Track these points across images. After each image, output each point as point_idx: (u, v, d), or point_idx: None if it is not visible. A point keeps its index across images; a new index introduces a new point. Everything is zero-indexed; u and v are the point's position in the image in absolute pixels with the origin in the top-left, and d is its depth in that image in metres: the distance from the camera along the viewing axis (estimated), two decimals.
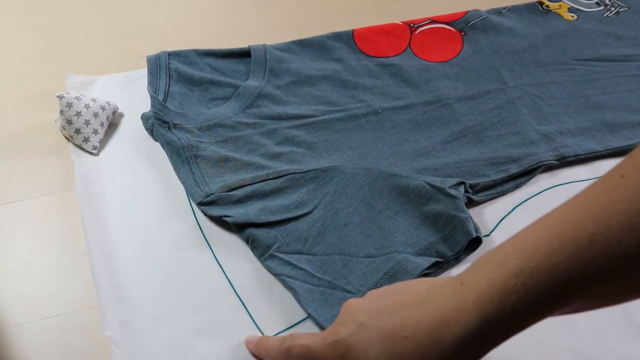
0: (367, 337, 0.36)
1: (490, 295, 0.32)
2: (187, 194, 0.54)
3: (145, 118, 0.60)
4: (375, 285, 0.47)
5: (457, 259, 0.49)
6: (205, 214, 0.52)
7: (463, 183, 0.54)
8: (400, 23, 0.71)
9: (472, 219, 0.50)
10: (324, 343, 0.38)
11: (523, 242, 0.32)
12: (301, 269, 0.48)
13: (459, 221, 0.49)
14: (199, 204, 0.52)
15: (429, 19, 0.72)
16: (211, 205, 0.52)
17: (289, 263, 0.48)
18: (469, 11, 0.73)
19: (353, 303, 0.39)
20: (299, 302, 0.46)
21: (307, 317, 0.46)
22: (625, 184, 0.30)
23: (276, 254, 0.49)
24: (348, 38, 0.69)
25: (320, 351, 0.38)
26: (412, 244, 0.49)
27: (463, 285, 0.34)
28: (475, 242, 0.49)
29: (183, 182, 0.54)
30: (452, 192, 0.52)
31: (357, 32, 0.70)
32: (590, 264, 0.30)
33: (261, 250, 0.49)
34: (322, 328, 0.45)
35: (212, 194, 0.52)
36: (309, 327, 0.45)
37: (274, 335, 0.45)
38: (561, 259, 0.30)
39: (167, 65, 0.63)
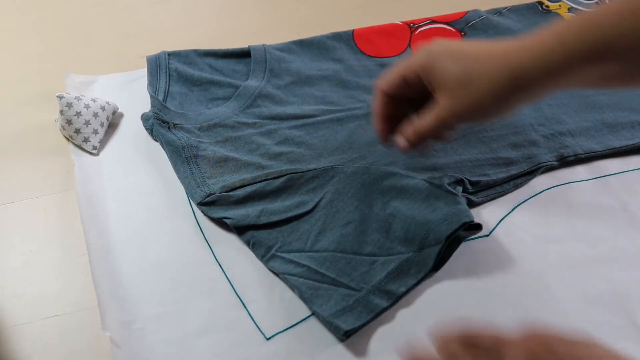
0: (445, 58, 0.46)
1: (545, 42, 0.43)
2: (187, 193, 0.54)
3: (145, 118, 0.60)
4: (379, 284, 0.47)
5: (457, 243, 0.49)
6: (205, 215, 0.52)
7: (462, 180, 0.54)
8: (400, 23, 0.72)
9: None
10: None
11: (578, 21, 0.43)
12: (304, 265, 0.48)
13: (458, 211, 0.49)
14: (199, 204, 0.52)
15: (429, 19, 0.72)
16: (211, 206, 0.52)
17: (291, 261, 0.48)
18: (469, 11, 0.73)
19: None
20: (303, 299, 0.46)
21: (308, 317, 0.46)
22: None
23: (278, 253, 0.49)
24: (348, 38, 0.69)
25: (414, 64, 0.48)
26: (410, 240, 0.49)
27: (531, 38, 0.44)
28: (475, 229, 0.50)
29: (183, 182, 0.54)
30: (451, 189, 0.52)
31: (357, 32, 0.70)
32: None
33: (263, 251, 0.49)
34: (327, 324, 0.45)
35: (213, 194, 0.52)
36: (310, 327, 0.45)
37: (274, 335, 0.45)
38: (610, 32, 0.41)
39: (167, 66, 0.63)
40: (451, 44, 0.48)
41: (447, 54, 0.46)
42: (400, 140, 0.50)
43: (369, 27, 0.71)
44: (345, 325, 0.44)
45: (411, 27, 0.71)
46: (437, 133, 0.50)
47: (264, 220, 0.50)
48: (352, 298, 0.46)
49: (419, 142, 0.50)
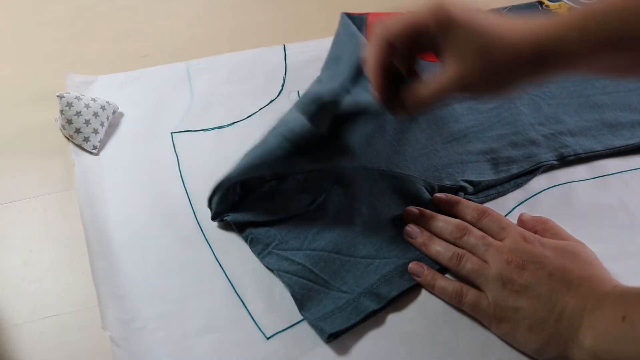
0: (466, 20, 0.42)
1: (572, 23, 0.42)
2: (186, 190, 0.53)
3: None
4: (371, 287, 0.47)
5: None
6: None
7: (464, 188, 0.54)
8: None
9: None
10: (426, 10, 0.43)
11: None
12: (299, 263, 0.48)
13: None
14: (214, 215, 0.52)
15: None
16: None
17: (287, 259, 0.48)
18: None
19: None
20: (294, 299, 0.46)
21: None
22: None
23: (274, 251, 0.49)
24: (361, 24, 0.69)
25: (425, 19, 0.43)
26: (411, 248, 0.50)
27: (551, 19, 0.43)
28: None
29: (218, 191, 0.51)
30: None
31: (370, 18, 0.69)
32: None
33: (260, 248, 0.49)
34: (314, 327, 0.45)
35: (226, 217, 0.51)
36: (310, 327, 0.45)
37: (274, 334, 0.45)
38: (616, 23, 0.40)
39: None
40: (470, 6, 0.43)
41: (468, 17, 0.42)
42: (397, 106, 0.47)
43: (364, 13, 0.69)
44: (331, 328, 0.44)
45: None
46: (438, 103, 0.46)
47: (263, 217, 0.50)
48: (343, 300, 0.46)
49: (418, 111, 0.47)
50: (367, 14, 0.68)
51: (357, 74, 0.50)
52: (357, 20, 0.67)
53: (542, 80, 0.46)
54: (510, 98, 0.63)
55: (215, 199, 0.51)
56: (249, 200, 0.52)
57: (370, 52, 0.46)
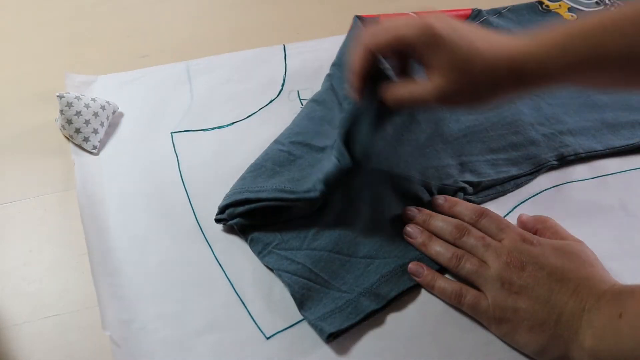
0: (448, 38, 0.44)
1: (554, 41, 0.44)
2: (186, 190, 0.53)
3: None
4: (371, 287, 0.47)
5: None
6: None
7: (463, 189, 0.54)
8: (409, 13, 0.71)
9: None
10: (416, 32, 0.45)
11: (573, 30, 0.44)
12: (299, 263, 0.48)
13: None
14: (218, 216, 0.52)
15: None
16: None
17: (287, 258, 0.48)
18: (473, 9, 0.73)
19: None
20: (294, 298, 0.46)
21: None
22: None
23: (275, 250, 0.49)
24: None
25: (411, 36, 0.45)
26: (411, 248, 0.50)
27: (532, 37, 0.45)
28: None
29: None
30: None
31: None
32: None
33: (260, 247, 0.49)
34: (313, 327, 0.45)
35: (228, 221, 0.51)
36: (310, 327, 0.45)
37: (274, 334, 0.45)
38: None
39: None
40: (455, 24, 0.46)
41: (452, 35, 0.45)
42: (377, 101, 0.49)
43: (376, 15, 0.70)
44: (331, 327, 0.44)
45: None
46: (416, 107, 0.49)
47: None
48: (343, 300, 0.46)
49: (397, 108, 0.50)
50: (379, 16, 0.68)
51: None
52: (370, 23, 0.67)
53: (523, 93, 0.49)
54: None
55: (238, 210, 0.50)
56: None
57: (353, 59, 0.48)
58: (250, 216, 0.50)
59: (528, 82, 0.45)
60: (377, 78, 0.49)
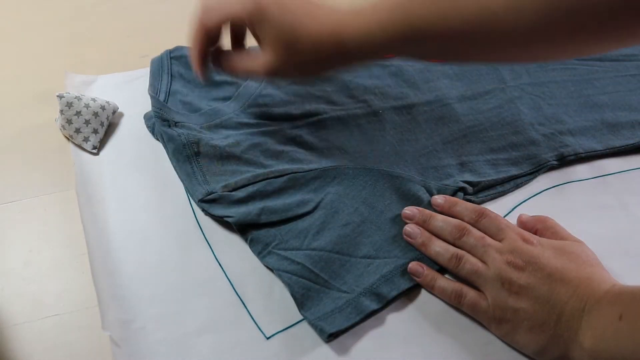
0: (274, 14, 0.47)
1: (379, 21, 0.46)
2: (186, 191, 0.54)
3: (147, 117, 0.60)
4: (371, 287, 0.47)
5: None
6: (207, 213, 0.52)
7: (463, 189, 0.54)
8: None
9: None
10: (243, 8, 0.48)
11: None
12: (299, 263, 0.48)
13: None
14: (200, 201, 0.52)
15: None
16: (212, 204, 0.52)
17: (287, 258, 0.48)
18: None
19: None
20: (294, 298, 0.46)
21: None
22: None
23: (274, 250, 0.49)
24: None
25: (241, 12, 0.48)
26: (411, 248, 0.50)
27: (359, 10, 0.47)
28: None
29: (183, 180, 0.54)
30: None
31: None
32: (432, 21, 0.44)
33: (260, 248, 0.49)
34: (313, 327, 0.45)
35: (214, 192, 0.52)
36: (310, 327, 0.45)
37: (274, 334, 0.45)
38: (416, 16, 0.44)
39: (169, 66, 0.63)
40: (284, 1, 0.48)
41: (279, 12, 0.47)
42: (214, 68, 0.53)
43: None
44: (331, 327, 0.44)
45: None
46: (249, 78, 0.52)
47: (264, 219, 0.50)
48: (343, 300, 0.46)
49: (234, 76, 0.53)
50: None
51: None
52: None
53: (353, 67, 0.52)
54: (510, 99, 0.63)
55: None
56: (249, 198, 0.52)
57: (191, 40, 0.51)
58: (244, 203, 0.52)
59: (353, 57, 0.49)
60: (216, 54, 0.53)
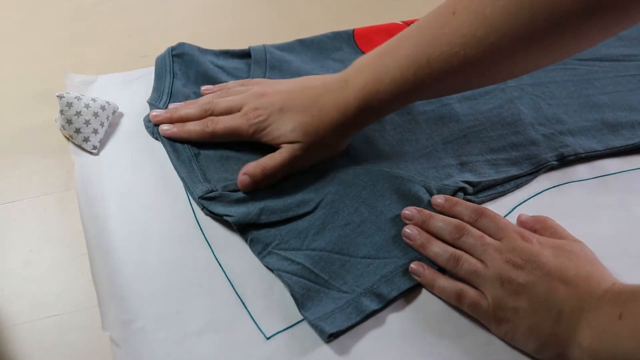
0: (283, 117, 0.53)
1: (364, 94, 0.51)
2: (186, 190, 0.54)
3: (147, 120, 0.59)
4: (371, 287, 0.47)
5: None
6: (207, 210, 0.52)
7: (463, 189, 0.54)
8: (400, 23, 0.72)
9: None
10: (247, 123, 0.54)
11: (382, 60, 0.51)
12: (299, 263, 0.48)
13: None
14: (200, 198, 0.52)
15: None
16: (212, 201, 0.52)
17: (287, 258, 0.48)
18: None
19: (268, 94, 0.55)
20: (294, 298, 0.46)
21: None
22: (455, 19, 0.47)
23: (274, 250, 0.49)
24: (348, 38, 0.69)
25: (243, 129, 0.54)
26: (411, 248, 0.50)
27: (347, 83, 0.52)
28: None
29: (183, 179, 0.54)
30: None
31: (357, 32, 0.70)
32: (427, 75, 0.49)
33: (260, 248, 0.49)
34: (313, 327, 0.45)
35: (214, 190, 0.52)
36: (310, 327, 0.45)
37: (274, 334, 0.45)
38: (408, 73, 0.49)
39: (171, 65, 0.63)
40: (275, 101, 0.54)
41: (276, 113, 0.53)
42: (245, 178, 0.52)
43: (369, 27, 0.71)
44: (331, 327, 0.44)
45: None
46: (287, 172, 0.54)
47: (264, 219, 0.50)
48: (343, 300, 0.46)
49: (266, 181, 0.52)
50: (353, 29, 0.70)
51: None
52: (344, 35, 0.68)
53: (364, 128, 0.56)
54: (510, 99, 0.63)
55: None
56: (249, 198, 0.52)
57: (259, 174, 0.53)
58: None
59: (361, 124, 0.54)
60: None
